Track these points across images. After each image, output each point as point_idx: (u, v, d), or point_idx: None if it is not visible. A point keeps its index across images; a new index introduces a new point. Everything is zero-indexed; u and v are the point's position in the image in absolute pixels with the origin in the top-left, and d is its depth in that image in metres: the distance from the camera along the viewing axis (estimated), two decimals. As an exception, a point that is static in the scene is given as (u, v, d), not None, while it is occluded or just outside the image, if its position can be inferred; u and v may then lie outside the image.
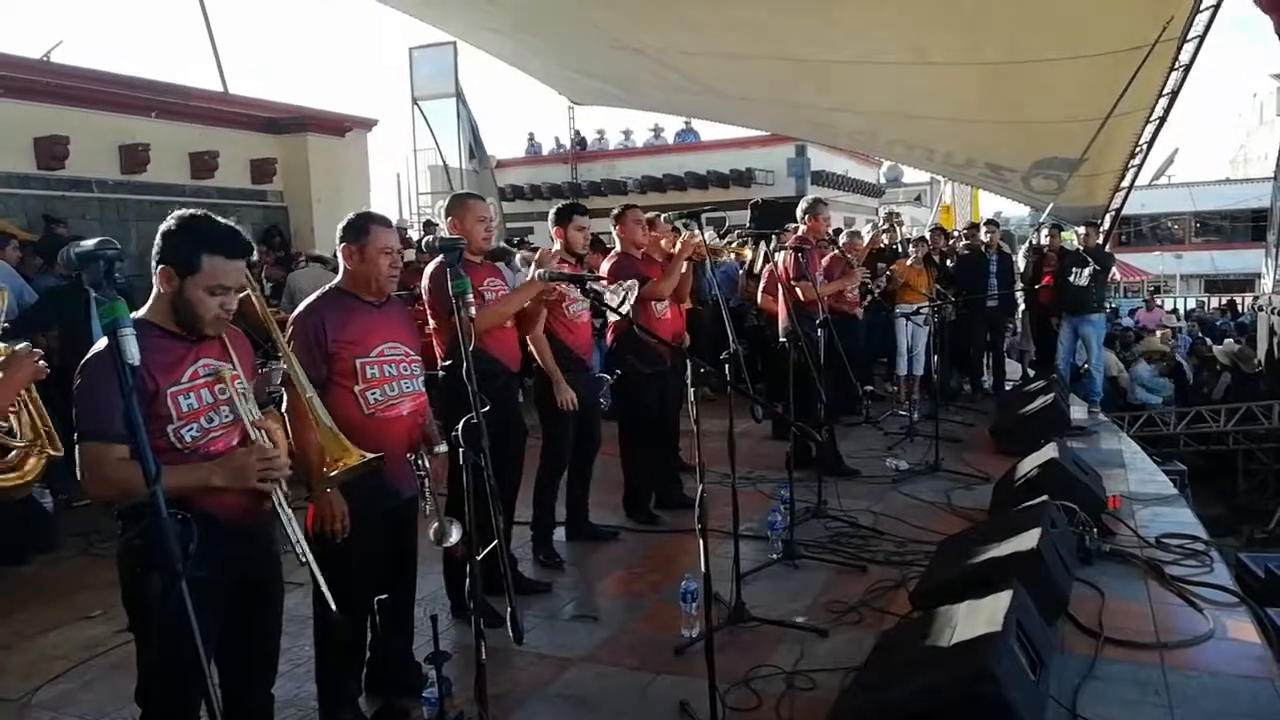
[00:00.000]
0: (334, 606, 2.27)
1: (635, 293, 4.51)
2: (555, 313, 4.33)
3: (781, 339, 5.74)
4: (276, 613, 2.49)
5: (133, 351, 1.40)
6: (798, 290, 5.76)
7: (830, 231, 6.68)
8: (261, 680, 2.48)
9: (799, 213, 6.37)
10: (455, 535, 2.78)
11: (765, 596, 3.97)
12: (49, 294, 5.99)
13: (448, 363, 3.77)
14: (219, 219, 2.23)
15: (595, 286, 3.81)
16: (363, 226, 2.95)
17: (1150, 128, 9.37)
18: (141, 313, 2.18)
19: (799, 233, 6.34)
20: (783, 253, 5.73)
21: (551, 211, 4.56)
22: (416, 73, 13.59)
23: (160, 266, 2.16)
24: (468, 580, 2.32)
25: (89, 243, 1.42)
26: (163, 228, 2.18)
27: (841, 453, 6.26)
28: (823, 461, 5.43)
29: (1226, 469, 13.41)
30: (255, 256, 2.41)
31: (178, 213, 2.21)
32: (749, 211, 11.16)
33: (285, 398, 2.67)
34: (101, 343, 2.08)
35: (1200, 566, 4.17)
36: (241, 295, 2.35)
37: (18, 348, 2.18)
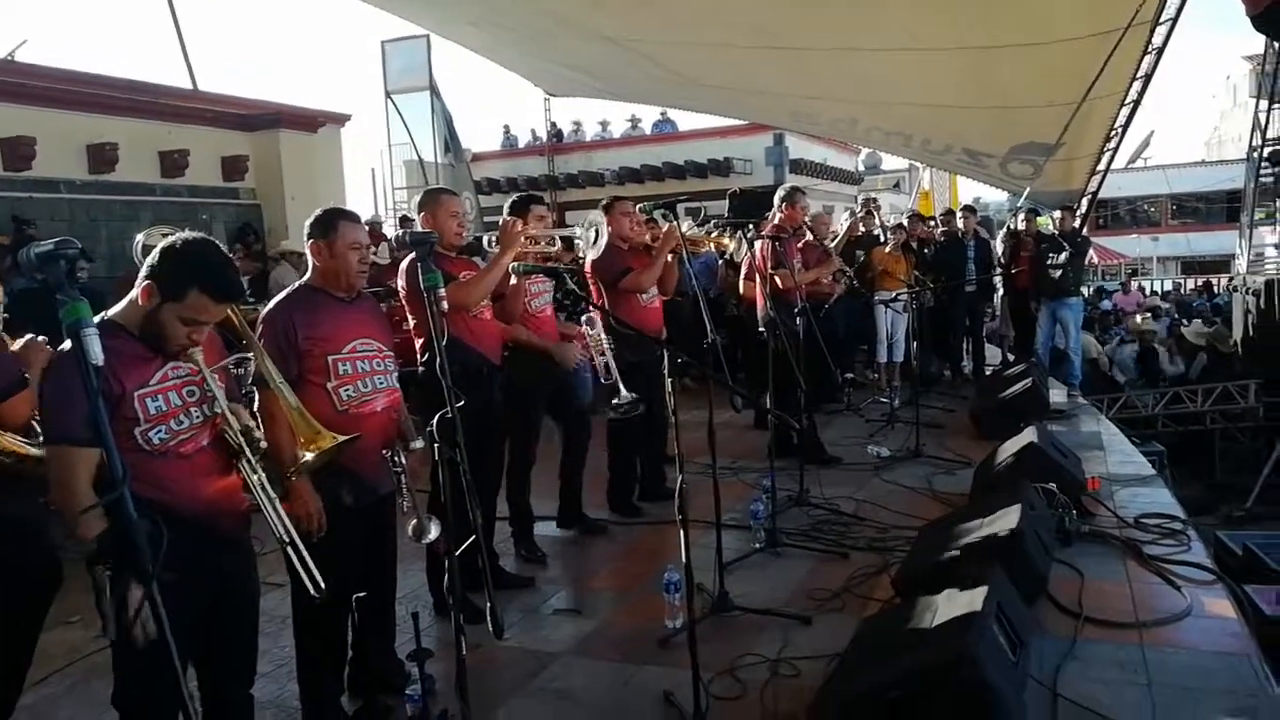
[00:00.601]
0: (316, 586, 2.25)
1: (604, 231, 4.36)
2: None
3: (760, 328, 5.74)
4: (254, 613, 2.48)
5: (96, 352, 1.38)
6: (775, 279, 5.77)
7: (808, 220, 6.69)
8: (241, 680, 2.46)
9: (776, 201, 6.38)
10: (434, 532, 2.77)
11: (748, 586, 3.98)
12: (20, 296, 5.88)
13: (426, 358, 3.74)
14: (223, 256, 2.20)
15: (571, 281, 3.77)
16: (330, 222, 2.93)
17: (1125, 111, 9.42)
18: (112, 313, 2.16)
19: (776, 221, 6.34)
20: (760, 241, 5.73)
21: (506, 205, 4.49)
22: (389, 66, 13.46)
23: (147, 280, 2.13)
24: (447, 576, 2.30)
25: (48, 243, 1.39)
26: (164, 243, 2.15)
27: (823, 441, 6.28)
28: (804, 450, 5.44)
29: (1204, 449, 13.56)
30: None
31: (186, 236, 2.19)
32: (727, 201, 11.15)
33: (258, 399, 2.64)
34: (67, 344, 2.06)
35: (1178, 545, 4.21)
36: None
37: (26, 338, 2.17)
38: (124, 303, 2.18)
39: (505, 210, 4.48)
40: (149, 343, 2.14)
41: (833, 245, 7.85)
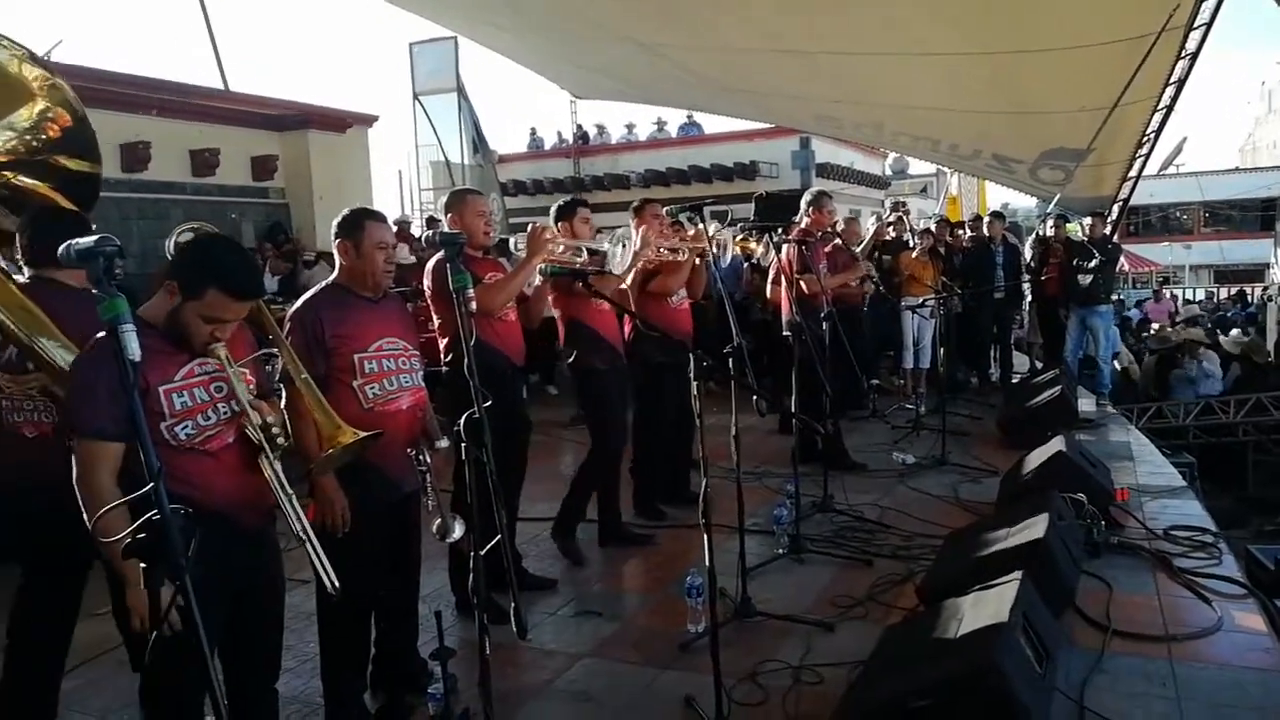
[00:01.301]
0: (334, 585, 2.26)
1: (631, 246, 4.38)
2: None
3: (785, 332, 5.72)
4: (279, 608, 2.50)
5: (134, 348, 1.39)
6: (801, 283, 5.75)
7: (834, 224, 6.65)
8: (266, 676, 2.48)
9: (803, 205, 6.34)
10: (458, 531, 2.78)
11: (771, 591, 3.96)
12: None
13: (450, 357, 3.76)
14: (241, 254, 2.22)
15: (593, 279, 3.78)
16: (357, 222, 2.95)
17: (1158, 117, 9.31)
18: (140, 310, 2.18)
19: (803, 225, 6.32)
20: (786, 245, 5.71)
21: (553, 209, 4.55)
22: (417, 68, 13.56)
23: (169, 279, 2.17)
24: (472, 576, 2.31)
25: (88, 240, 1.41)
26: (183, 241, 2.18)
27: (847, 447, 6.24)
28: (829, 456, 5.42)
29: (1236, 461, 13.33)
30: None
31: (205, 233, 2.21)
32: (753, 204, 11.12)
33: (284, 395, 2.67)
34: (96, 338, 2.08)
35: (1209, 559, 4.14)
36: None
37: None
38: (152, 300, 2.21)
39: (552, 213, 4.52)
40: (174, 339, 2.17)
41: (859, 250, 7.81)
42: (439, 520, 2.83)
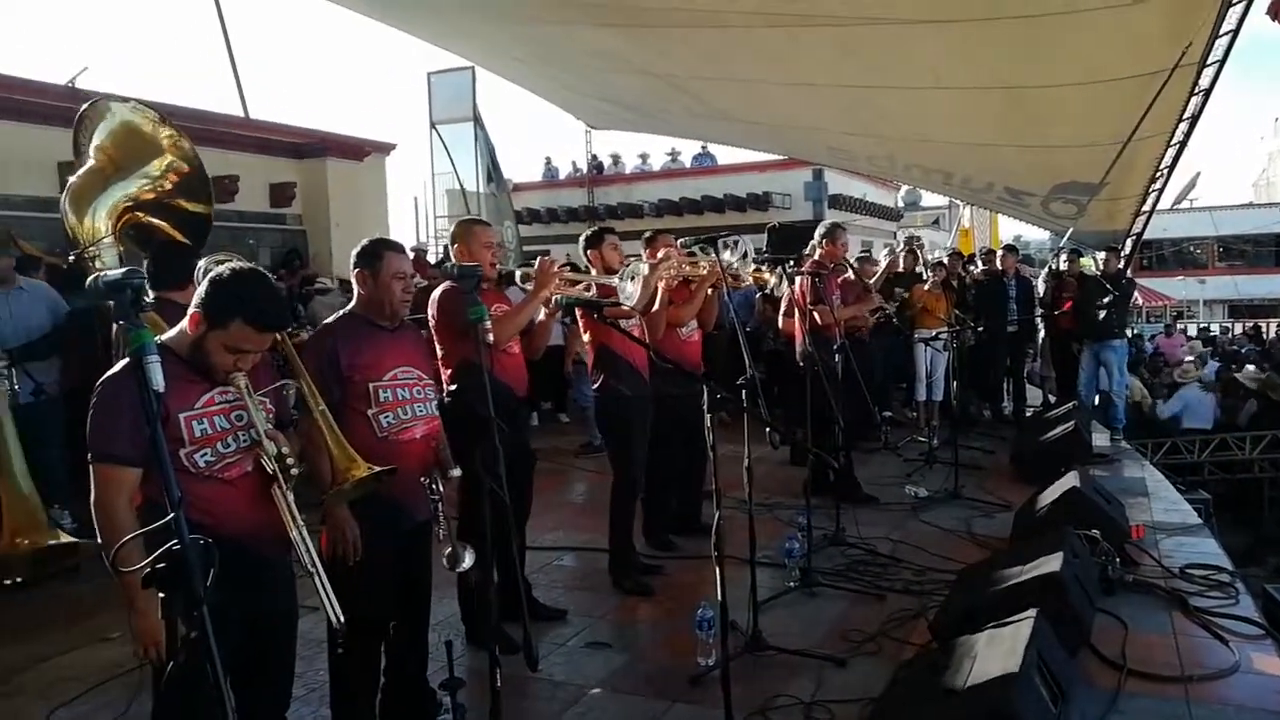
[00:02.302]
0: (339, 620, 2.25)
1: (640, 276, 4.34)
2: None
3: (798, 362, 5.72)
4: (292, 637, 2.50)
5: (157, 379, 1.41)
6: (815, 314, 5.75)
7: (847, 256, 6.67)
8: (276, 704, 2.48)
9: (816, 237, 6.37)
10: (468, 560, 2.78)
11: (782, 625, 3.94)
12: (70, 316, 6.06)
13: (454, 388, 3.77)
14: (268, 287, 2.24)
15: (613, 313, 3.81)
16: (376, 252, 2.98)
17: (1171, 152, 9.30)
18: (163, 337, 2.21)
19: (815, 257, 6.34)
20: (800, 276, 5.73)
21: (582, 239, 4.60)
22: (435, 97, 13.71)
23: (194, 309, 2.18)
24: (483, 607, 2.31)
25: (116, 272, 1.43)
26: (212, 273, 2.20)
27: (859, 479, 6.21)
28: (841, 488, 5.39)
29: (1253, 498, 13.20)
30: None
31: (233, 265, 2.24)
32: (766, 235, 11.15)
33: (300, 424, 2.68)
34: (119, 364, 2.11)
35: (1225, 598, 4.10)
36: None
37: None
38: (175, 328, 2.23)
39: (581, 242, 4.56)
40: (196, 367, 2.19)
41: (872, 282, 7.82)
42: (449, 549, 2.83)
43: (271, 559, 2.35)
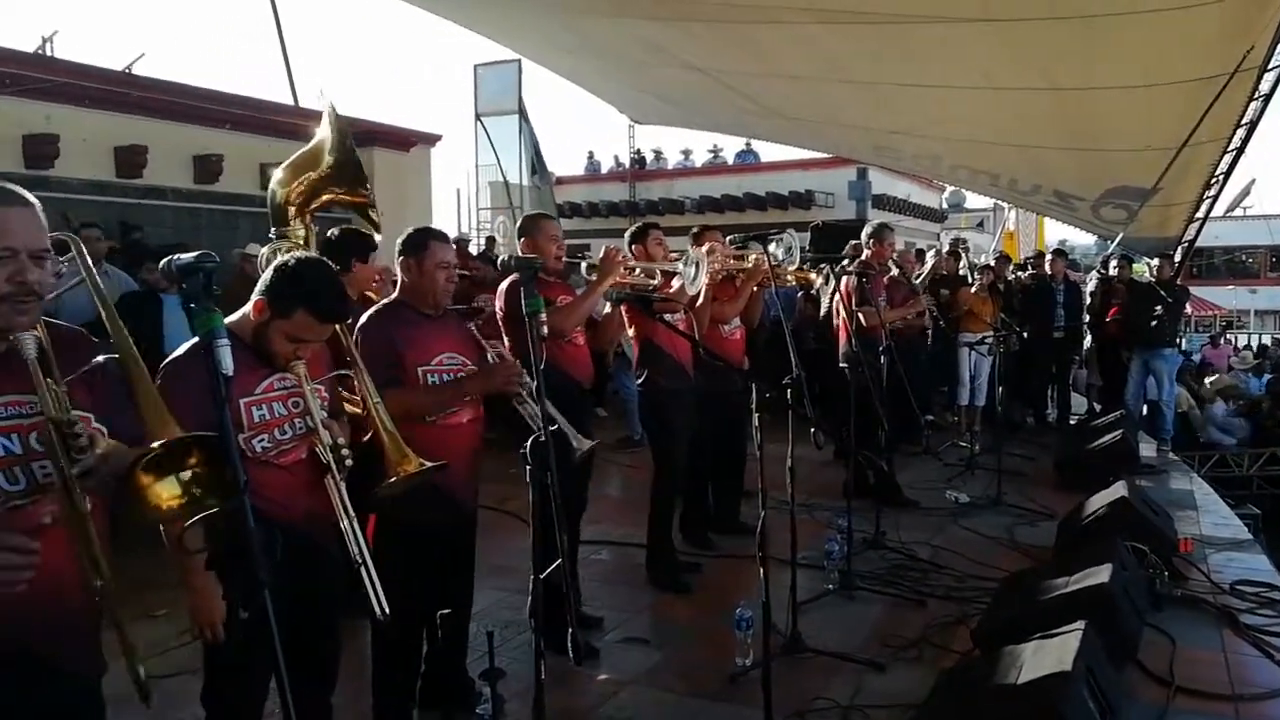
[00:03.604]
0: (383, 610, 2.27)
1: (705, 267, 4.36)
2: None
3: (841, 364, 5.68)
4: (337, 621, 2.52)
5: (227, 363, 1.43)
6: (860, 316, 5.71)
7: (895, 257, 6.61)
8: (322, 687, 2.50)
9: (864, 237, 6.32)
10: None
11: (820, 627, 3.91)
12: (125, 299, 6.18)
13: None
14: (332, 278, 2.26)
15: (660, 308, 3.80)
16: (421, 242, 3.00)
17: (1228, 158, 9.11)
18: (227, 321, 2.24)
19: (863, 257, 6.28)
20: (846, 277, 5.68)
21: (627, 234, 4.62)
22: (481, 89, 13.79)
23: (259, 296, 2.21)
24: (530, 599, 2.32)
25: (189, 255, 1.45)
26: (278, 262, 2.23)
27: (900, 483, 6.15)
28: (881, 491, 5.34)
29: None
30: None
31: (298, 255, 2.26)
32: (809, 234, 11.08)
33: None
34: (184, 346, 2.14)
35: (1276, 616, 4.00)
36: None
37: None
38: (239, 313, 2.26)
39: (626, 237, 4.58)
40: (258, 353, 2.22)
41: (918, 282, 7.74)
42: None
43: (321, 544, 2.38)
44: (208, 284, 1.44)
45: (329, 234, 3.76)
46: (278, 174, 3.08)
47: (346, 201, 3.08)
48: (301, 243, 2.90)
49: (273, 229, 2.97)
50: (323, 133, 3.02)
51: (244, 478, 1.46)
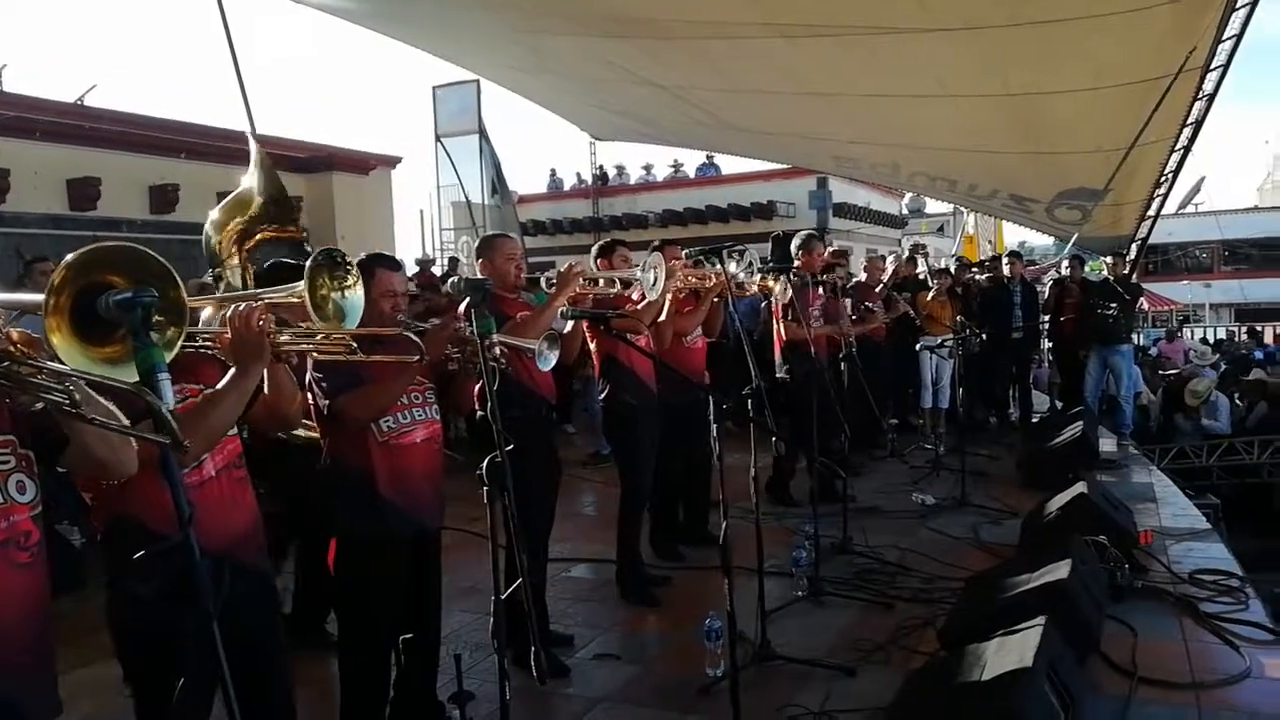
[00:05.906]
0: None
1: (663, 269, 4.35)
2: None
3: (778, 374, 5.74)
4: (282, 649, 2.46)
5: (168, 397, 1.41)
6: (782, 327, 5.78)
7: (830, 268, 6.64)
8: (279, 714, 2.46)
9: (793, 248, 6.23)
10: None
11: (790, 634, 3.93)
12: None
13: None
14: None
15: (616, 324, 3.81)
16: (368, 269, 2.99)
17: (1175, 157, 9.32)
18: None
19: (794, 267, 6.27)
20: (779, 286, 5.64)
21: (593, 250, 4.68)
22: (440, 110, 13.79)
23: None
24: (492, 620, 2.32)
25: (126, 291, 1.43)
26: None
27: (865, 489, 6.20)
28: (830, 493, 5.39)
29: (1262, 502, 13.12)
30: None
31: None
32: (770, 244, 11.16)
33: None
34: None
35: (1236, 603, 4.09)
36: None
37: None
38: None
39: (593, 253, 4.64)
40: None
41: (878, 290, 7.84)
42: None
43: (251, 566, 2.30)
44: (146, 319, 1.42)
45: (262, 265, 3.87)
46: (213, 215, 3.17)
47: (279, 237, 3.15)
48: (239, 282, 2.93)
49: (210, 270, 2.99)
50: (251, 175, 3.09)
51: (188, 510, 1.44)
